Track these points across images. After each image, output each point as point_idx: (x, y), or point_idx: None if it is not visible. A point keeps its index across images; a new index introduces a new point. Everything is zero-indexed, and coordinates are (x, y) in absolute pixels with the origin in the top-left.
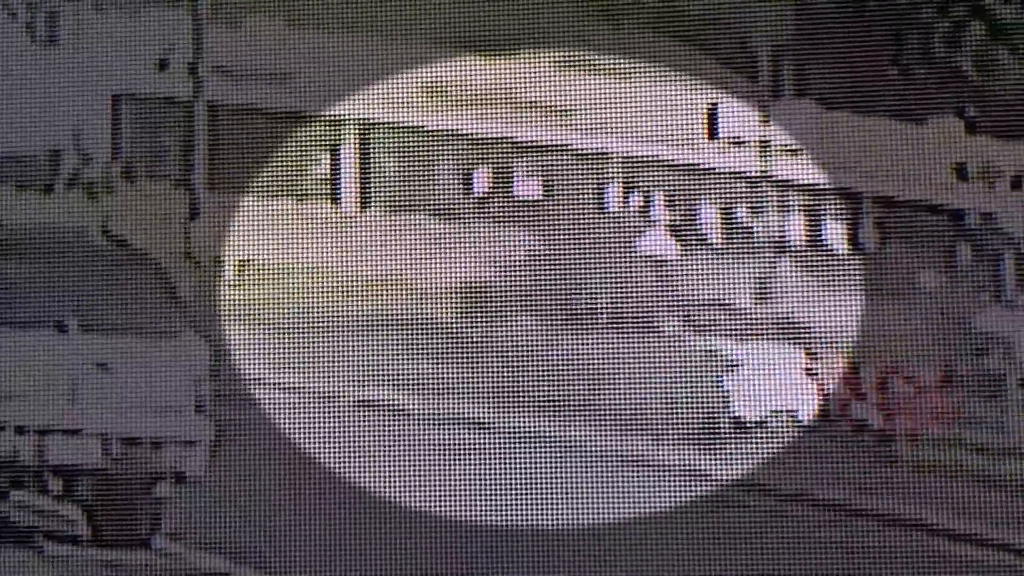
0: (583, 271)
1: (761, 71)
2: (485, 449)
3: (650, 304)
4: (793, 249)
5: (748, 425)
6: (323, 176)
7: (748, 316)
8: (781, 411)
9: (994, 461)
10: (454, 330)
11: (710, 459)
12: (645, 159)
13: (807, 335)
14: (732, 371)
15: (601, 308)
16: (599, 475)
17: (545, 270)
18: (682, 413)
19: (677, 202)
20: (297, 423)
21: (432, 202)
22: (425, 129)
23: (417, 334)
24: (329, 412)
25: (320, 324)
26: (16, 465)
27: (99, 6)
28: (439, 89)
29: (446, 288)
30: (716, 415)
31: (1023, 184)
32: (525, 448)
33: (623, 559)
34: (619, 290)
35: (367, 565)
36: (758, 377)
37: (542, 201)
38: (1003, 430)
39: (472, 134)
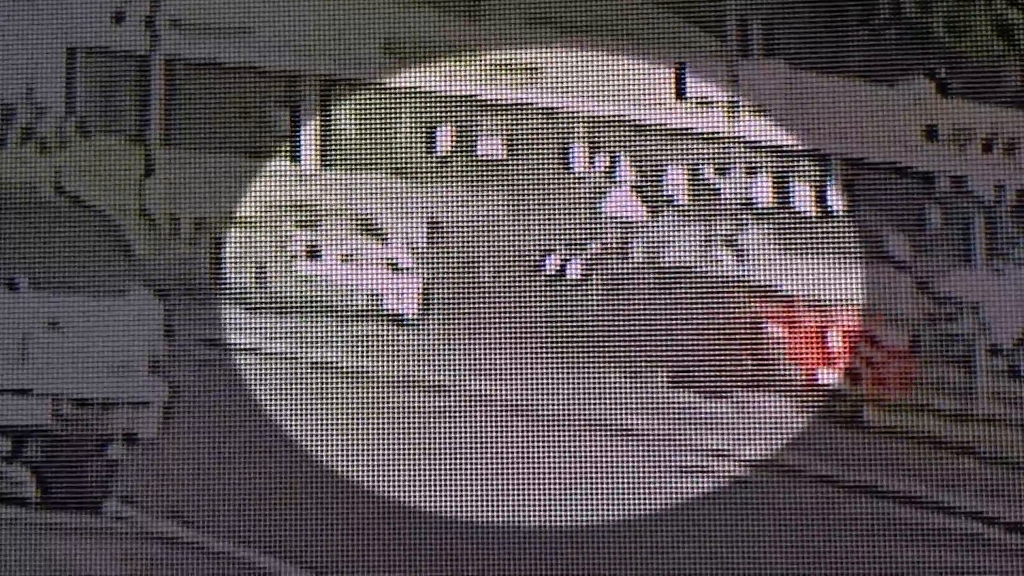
0: (547, 232)
1: (730, 30)
2: (448, 415)
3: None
4: (760, 211)
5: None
6: (283, 133)
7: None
8: None
9: (964, 427)
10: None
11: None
12: (611, 119)
13: (774, 298)
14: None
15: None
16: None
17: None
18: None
19: (643, 163)
20: (255, 385)
21: (394, 160)
22: (388, 86)
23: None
24: (287, 374)
25: (279, 283)
26: None
27: None
28: (402, 46)
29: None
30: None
31: (994, 147)
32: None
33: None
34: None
35: (326, 529)
36: None
37: (506, 160)
38: (973, 396)
39: (435, 91)
